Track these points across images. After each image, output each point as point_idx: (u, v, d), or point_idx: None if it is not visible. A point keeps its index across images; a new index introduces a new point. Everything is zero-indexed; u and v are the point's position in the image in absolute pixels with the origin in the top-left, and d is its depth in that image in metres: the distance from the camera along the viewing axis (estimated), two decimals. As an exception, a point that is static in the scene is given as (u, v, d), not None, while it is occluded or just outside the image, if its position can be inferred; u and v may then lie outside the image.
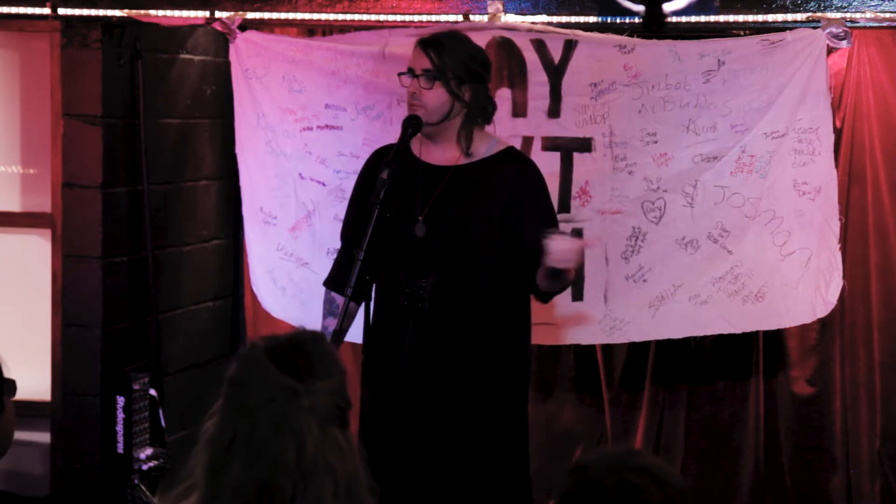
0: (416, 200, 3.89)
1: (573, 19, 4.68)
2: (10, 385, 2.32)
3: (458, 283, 3.86)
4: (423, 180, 3.91)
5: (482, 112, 3.92)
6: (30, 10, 4.92)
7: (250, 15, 4.87)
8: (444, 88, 3.84)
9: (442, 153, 3.93)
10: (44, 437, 5.09)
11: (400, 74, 3.94)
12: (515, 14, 4.71)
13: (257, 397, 1.99)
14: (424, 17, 4.76)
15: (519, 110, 4.73)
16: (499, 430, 3.88)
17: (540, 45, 4.70)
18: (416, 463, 3.89)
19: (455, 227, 3.86)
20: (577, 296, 4.76)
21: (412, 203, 3.90)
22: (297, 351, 2.04)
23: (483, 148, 3.92)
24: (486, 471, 3.87)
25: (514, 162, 3.93)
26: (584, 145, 4.74)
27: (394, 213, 3.88)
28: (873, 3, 4.55)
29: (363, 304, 3.87)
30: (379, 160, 3.94)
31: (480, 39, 4.35)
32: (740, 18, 4.62)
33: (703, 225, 4.72)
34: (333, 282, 4.05)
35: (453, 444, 3.86)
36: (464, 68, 3.85)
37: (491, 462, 3.88)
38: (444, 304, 3.85)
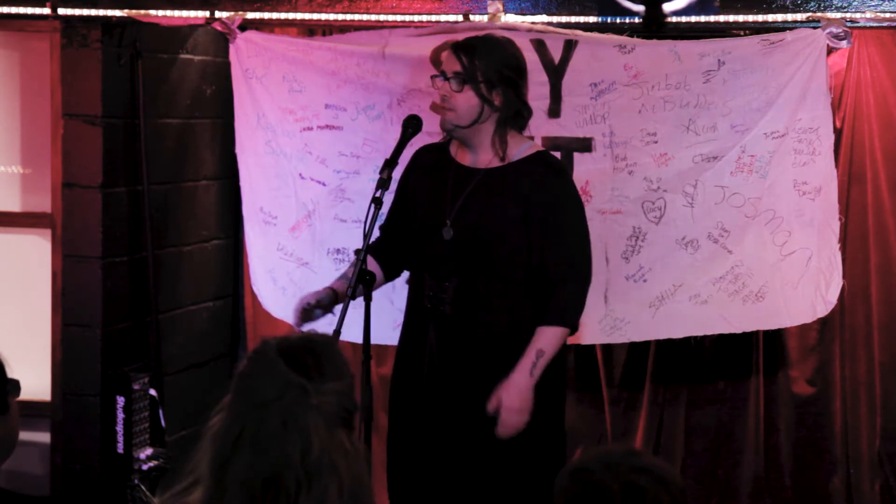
0: (446, 203, 3.90)
1: (573, 19, 4.68)
2: (14, 385, 2.33)
3: (478, 287, 3.85)
4: (455, 183, 3.92)
5: (515, 117, 3.91)
6: (30, 10, 4.92)
7: (250, 15, 4.87)
8: (474, 92, 3.84)
9: (475, 156, 3.93)
10: (44, 437, 5.09)
11: (433, 77, 3.95)
12: (515, 14, 4.71)
13: (266, 393, 2.00)
14: (424, 17, 4.76)
15: (519, 110, 4.72)
16: (524, 438, 3.83)
17: (540, 45, 4.69)
18: (439, 465, 3.89)
19: (476, 231, 3.86)
20: (578, 296, 4.76)
21: (442, 205, 3.90)
22: (308, 351, 2.06)
23: (514, 151, 3.91)
24: (512, 475, 3.85)
25: (539, 167, 3.90)
26: (585, 145, 4.74)
27: (424, 213, 3.89)
28: (873, 3, 4.55)
29: (364, 305, 3.87)
30: (423, 157, 4.00)
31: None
32: (740, 18, 4.62)
33: (703, 225, 4.72)
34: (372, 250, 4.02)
35: (474, 448, 3.85)
36: (495, 73, 3.84)
37: (516, 466, 3.85)
38: (465, 309, 3.85)
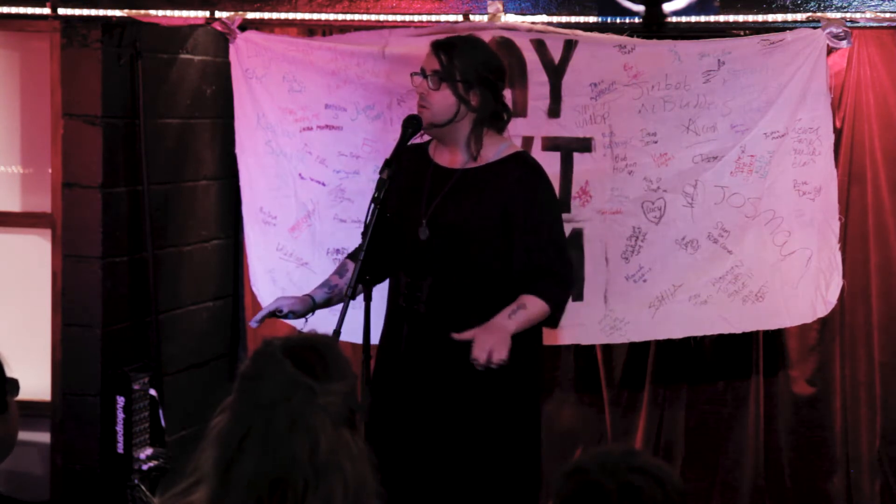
0: (422, 202, 3.90)
1: (573, 19, 4.69)
2: (13, 385, 2.33)
3: (453, 286, 3.86)
4: (432, 182, 3.92)
5: (492, 118, 3.90)
6: (30, 10, 4.92)
7: (250, 15, 4.87)
8: (451, 91, 3.84)
9: (452, 156, 3.93)
10: (44, 437, 5.10)
11: (413, 74, 3.94)
12: (515, 14, 4.71)
13: (273, 393, 2.00)
14: (424, 17, 4.76)
15: (519, 110, 4.72)
16: (496, 434, 3.85)
17: (540, 45, 4.70)
18: (414, 465, 3.89)
19: (452, 230, 3.86)
20: (577, 296, 4.76)
21: (418, 205, 3.90)
22: (313, 351, 2.06)
23: (492, 152, 3.90)
24: (487, 476, 3.86)
25: (518, 167, 3.89)
26: (584, 145, 4.74)
27: (401, 213, 3.89)
28: (873, 3, 4.55)
29: (364, 305, 3.87)
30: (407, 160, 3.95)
31: (480, 39, 4.36)
32: (740, 18, 4.62)
33: (703, 225, 4.72)
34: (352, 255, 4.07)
35: (446, 446, 3.85)
36: (473, 73, 3.83)
37: (490, 467, 3.86)
38: (439, 308, 3.85)
